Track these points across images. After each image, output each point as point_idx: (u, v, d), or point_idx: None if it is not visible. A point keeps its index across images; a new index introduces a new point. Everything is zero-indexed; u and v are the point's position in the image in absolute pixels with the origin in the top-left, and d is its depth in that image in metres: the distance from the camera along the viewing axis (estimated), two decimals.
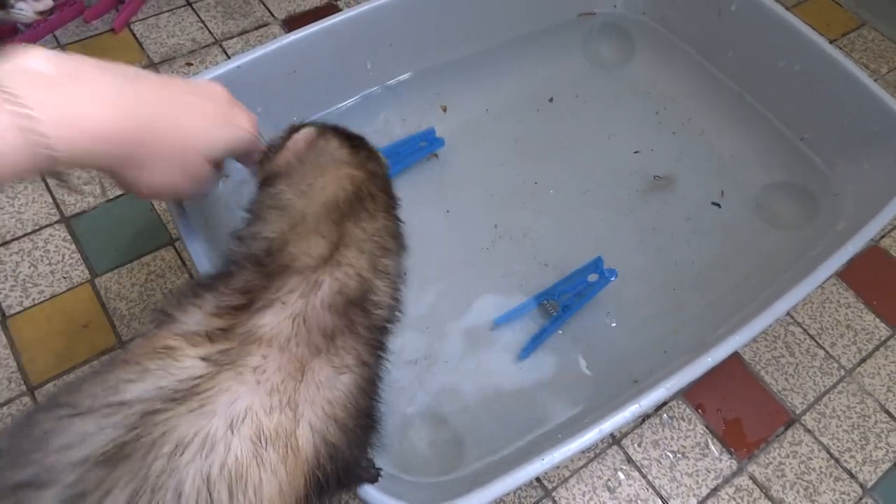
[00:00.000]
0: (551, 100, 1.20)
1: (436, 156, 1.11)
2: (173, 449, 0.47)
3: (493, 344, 0.95)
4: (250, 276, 0.57)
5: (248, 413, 0.50)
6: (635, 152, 1.15)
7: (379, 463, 0.70)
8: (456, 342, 0.94)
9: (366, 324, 0.58)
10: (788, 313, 1.05)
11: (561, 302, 0.97)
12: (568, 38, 1.28)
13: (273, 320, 0.54)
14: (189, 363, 0.51)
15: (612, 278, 0.97)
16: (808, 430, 0.96)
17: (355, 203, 0.61)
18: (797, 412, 0.97)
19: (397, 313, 0.64)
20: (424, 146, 1.09)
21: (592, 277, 0.98)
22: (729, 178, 1.14)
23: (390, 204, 0.65)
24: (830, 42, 1.10)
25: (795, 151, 1.15)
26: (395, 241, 0.63)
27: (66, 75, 0.51)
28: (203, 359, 0.51)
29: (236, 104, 0.67)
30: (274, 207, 0.61)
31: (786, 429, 0.96)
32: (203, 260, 0.77)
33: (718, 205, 1.10)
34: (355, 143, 0.66)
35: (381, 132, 1.11)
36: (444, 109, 1.15)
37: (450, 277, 1.00)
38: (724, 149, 1.17)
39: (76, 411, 0.48)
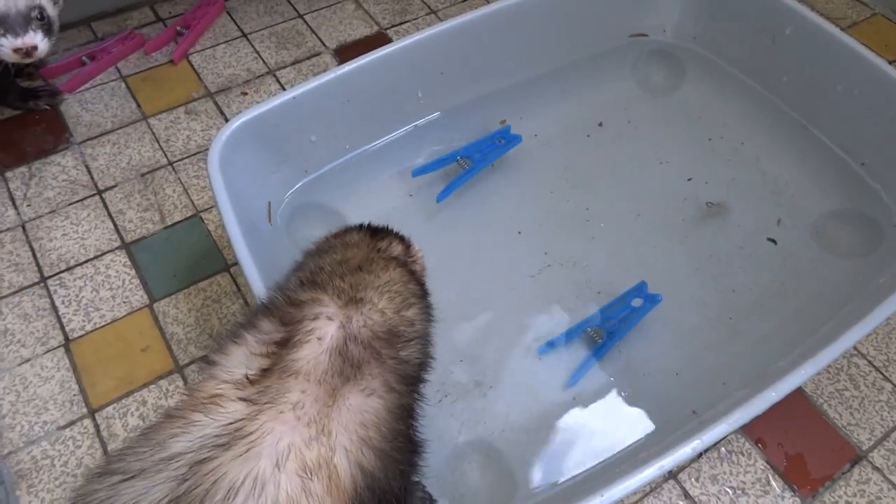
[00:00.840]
0: (601, 124, 1.20)
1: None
2: (225, 495, 0.48)
3: (543, 372, 0.93)
4: (285, 308, 0.62)
5: (291, 449, 0.52)
6: (688, 179, 1.14)
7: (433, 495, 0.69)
8: (505, 370, 0.93)
9: (391, 354, 0.61)
10: None
11: (606, 329, 0.95)
12: (618, 63, 1.27)
13: (310, 353, 0.57)
14: (232, 407, 0.53)
15: (658, 301, 0.95)
16: (876, 468, 0.91)
17: (363, 263, 0.67)
18: (864, 448, 0.93)
19: (429, 360, 0.68)
20: (503, 143, 1.12)
21: (636, 302, 0.97)
22: (785, 205, 1.11)
23: (403, 265, 0.70)
24: (889, 63, 1.07)
25: (855, 177, 1.12)
26: (416, 300, 0.68)
27: None
28: (243, 399, 0.54)
29: None
30: (298, 270, 0.71)
31: (852, 466, 0.91)
32: (259, 285, 0.78)
33: (774, 241, 1.07)
34: (373, 230, 0.75)
35: (431, 158, 1.12)
36: (503, 122, 1.17)
37: (499, 305, 0.99)
38: (779, 175, 1.14)
39: (128, 476, 0.50)
